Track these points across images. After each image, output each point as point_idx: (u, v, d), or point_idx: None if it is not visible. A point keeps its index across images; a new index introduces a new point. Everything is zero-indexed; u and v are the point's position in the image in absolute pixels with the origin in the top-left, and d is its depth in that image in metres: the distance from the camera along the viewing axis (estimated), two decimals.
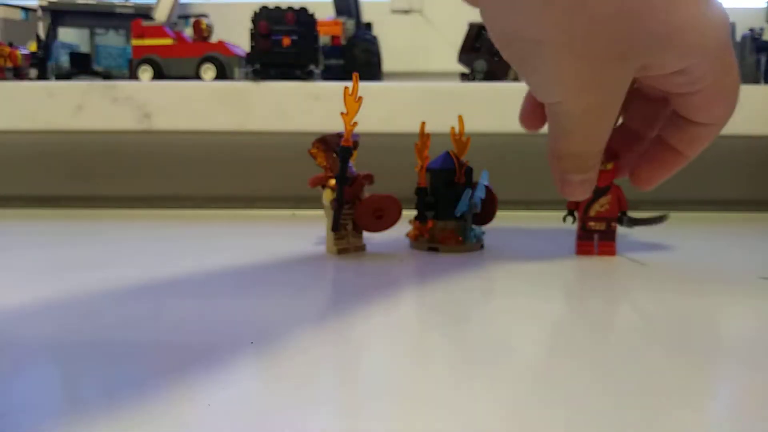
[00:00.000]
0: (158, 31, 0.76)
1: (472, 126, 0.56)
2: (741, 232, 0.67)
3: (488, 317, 0.33)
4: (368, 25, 0.86)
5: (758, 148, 0.94)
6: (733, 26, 0.68)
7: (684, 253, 0.53)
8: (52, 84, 0.74)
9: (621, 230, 0.49)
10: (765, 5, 0.82)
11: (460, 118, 0.51)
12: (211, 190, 0.88)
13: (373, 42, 0.80)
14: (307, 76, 0.72)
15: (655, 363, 0.27)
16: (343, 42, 0.80)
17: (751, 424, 0.21)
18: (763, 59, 0.77)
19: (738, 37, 0.70)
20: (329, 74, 0.78)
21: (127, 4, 0.84)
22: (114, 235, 0.62)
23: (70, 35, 0.89)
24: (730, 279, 0.44)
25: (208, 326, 0.32)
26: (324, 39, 0.78)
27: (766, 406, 0.23)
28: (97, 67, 0.84)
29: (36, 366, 0.26)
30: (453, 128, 0.52)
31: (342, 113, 0.47)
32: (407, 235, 0.54)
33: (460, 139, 0.52)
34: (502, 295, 0.40)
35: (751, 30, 0.78)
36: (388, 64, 0.92)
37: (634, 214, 0.49)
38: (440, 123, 0.53)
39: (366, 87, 0.69)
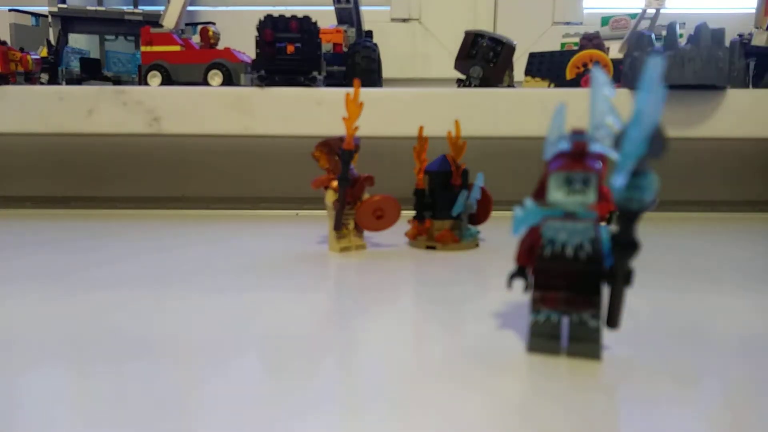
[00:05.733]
0: (167, 38, 0.78)
1: (467, 130, 0.58)
2: (730, 232, 0.69)
3: (483, 312, 0.35)
4: (369, 33, 0.89)
5: (747, 150, 0.97)
6: (722, 31, 0.70)
7: (671, 251, 0.56)
8: (64, 88, 0.77)
9: None
10: (754, 11, 0.84)
11: (457, 123, 0.54)
12: (218, 191, 0.91)
13: (373, 49, 0.82)
14: (310, 82, 0.74)
15: (643, 357, 0.29)
16: (344, 49, 0.82)
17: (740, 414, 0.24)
18: (751, 64, 0.79)
19: (727, 42, 0.73)
20: (331, 80, 0.80)
21: (136, 11, 0.86)
22: (123, 235, 0.64)
23: (80, 41, 0.92)
24: (715, 276, 0.46)
25: (215, 321, 0.34)
26: (326, 46, 0.80)
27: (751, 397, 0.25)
28: (107, 73, 0.87)
29: (47, 361, 0.28)
30: (449, 132, 0.54)
31: (344, 117, 0.50)
32: (406, 234, 0.57)
33: (457, 142, 0.54)
34: (496, 290, 0.42)
35: (740, 35, 0.81)
36: (387, 71, 0.94)
37: None
38: (438, 127, 0.56)
39: (367, 93, 0.71)
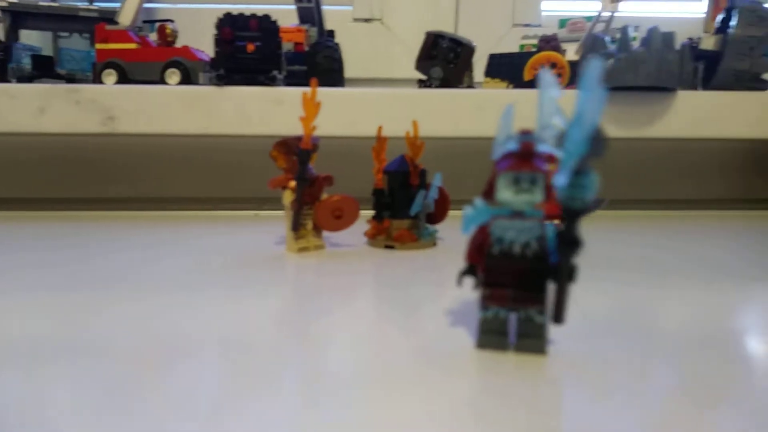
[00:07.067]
0: (122, 36, 0.76)
1: (428, 130, 0.58)
2: (683, 229, 0.72)
3: (439, 310, 0.36)
4: (331, 33, 0.88)
5: (698, 150, 1.00)
6: (672, 35, 0.72)
7: (625, 249, 0.57)
8: (14, 86, 0.74)
9: None
10: (704, 15, 0.87)
11: (414, 123, 0.54)
12: (176, 191, 0.89)
13: (335, 49, 0.82)
14: (270, 81, 0.73)
15: (589, 351, 0.30)
16: (306, 49, 0.82)
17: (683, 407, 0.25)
18: (700, 67, 0.82)
19: (677, 46, 0.75)
20: (293, 80, 0.80)
21: (91, 7, 0.84)
22: (76, 237, 0.62)
23: (32, 38, 0.89)
24: (668, 272, 0.48)
25: (173, 324, 0.33)
26: (287, 45, 0.80)
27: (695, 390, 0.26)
28: (60, 71, 0.84)
29: None
30: (408, 132, 0.54)
31: (301, 117, 0.49)
32: (365, 233, 0.57)
33: (415, 142, 0.54)
34: (452, 289, 0.43)
35: (690, 39, 0.83)
36: (350, 71, 0.94)
37: None
38: (399, 127, 0.56)
39: (328, 92, 0.71)
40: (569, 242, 0.25)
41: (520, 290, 0.27)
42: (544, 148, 0.26)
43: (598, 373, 0.26)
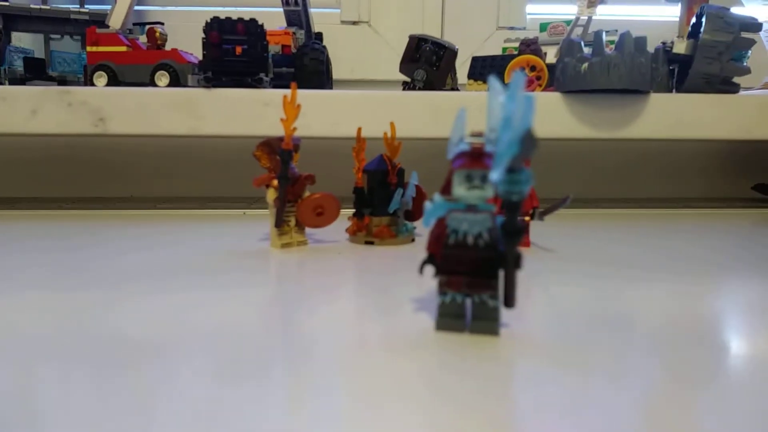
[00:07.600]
0: (113, 39, 0.79)
1: (411, 131, 0.60)
2: (656, 227, 0.74)
3: (412, 298, 0.38)
4: (318, 35, 0.91)
5: (671, 151, 1.03)
6: (644, 39, 0.75)
7: (598, 244, 0.60)
8: (6, 88, 0.76)
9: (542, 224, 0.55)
10: (677, 19, 0.90)
11: (392, 124, 0.57)
12: (165, 191, 0.91)
13: (321, 51, 0.84)
14: (257, 83, 0.76)
15: (539, 334, 0.32)
16: (293, 51, 0.84)
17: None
18: (675, 70, 0.85)
19: (651, 49, 0.77)
20: (280, 82, 0.82)
21: (83, 10, 0.86)
22: (69, 236, 0.64)
23: (24, 40, 0.91)
24: (637, 267, 0.51)
25: (161, 320, 0.35)
26: (275, 48, 0.82)
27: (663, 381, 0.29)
28: (51, 73, 0.86)
29: None
30: (385, 133, 0.57)
31: (282, 119, 0.52)
32: (346, 230, 0.59)
33: (392, 143, 0.57)
34: (426, 280, 0.45)
35: (663, 43, 0.86)
36: (338, 73, 0.96)
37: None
38: (380, 128, 0.58)
39: (311, 94, 0.74)
40: (511, 233, 0.27)
41: (474, 277, 0.30)
42: (493, 147, 0.29)
43: (545, 354, 0.29)
